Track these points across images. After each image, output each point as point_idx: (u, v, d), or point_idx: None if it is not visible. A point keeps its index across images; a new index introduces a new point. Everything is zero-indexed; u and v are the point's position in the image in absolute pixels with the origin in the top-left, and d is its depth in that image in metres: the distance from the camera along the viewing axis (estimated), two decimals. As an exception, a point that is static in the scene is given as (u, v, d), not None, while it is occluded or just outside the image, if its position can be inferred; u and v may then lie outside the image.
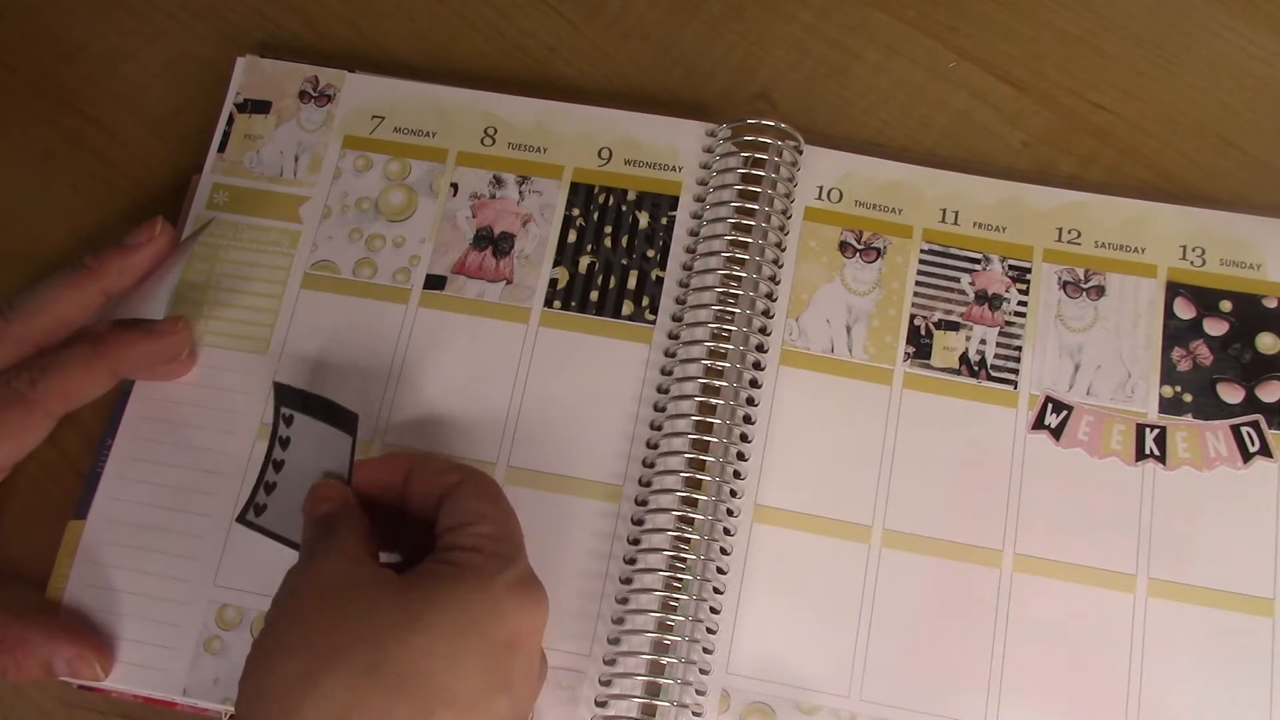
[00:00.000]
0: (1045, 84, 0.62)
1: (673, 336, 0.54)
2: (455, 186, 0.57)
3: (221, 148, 0.58)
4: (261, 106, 0.59)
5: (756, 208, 0.55)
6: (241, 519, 0.48)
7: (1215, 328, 0.55)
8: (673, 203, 0.57)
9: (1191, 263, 0.56)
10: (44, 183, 0.61)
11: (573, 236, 0.57)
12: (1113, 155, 0.60)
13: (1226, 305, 0.55)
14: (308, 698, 0.38)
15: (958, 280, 0.56)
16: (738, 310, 0.54)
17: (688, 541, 0.51)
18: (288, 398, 0.48)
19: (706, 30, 0.63)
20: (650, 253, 0.56)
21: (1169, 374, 0.54)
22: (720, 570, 0.51)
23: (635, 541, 0.51)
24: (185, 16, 0.64)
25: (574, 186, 0.57)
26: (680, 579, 0.50)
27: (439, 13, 0.64)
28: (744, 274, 0.54)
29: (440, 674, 0.40)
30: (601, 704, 0.50)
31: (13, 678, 0.49)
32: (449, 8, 0.64)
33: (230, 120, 0.59)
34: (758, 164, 0.56)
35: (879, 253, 0.57)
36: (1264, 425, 0.53)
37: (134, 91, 0.62)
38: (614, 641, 0.50)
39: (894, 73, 0.62)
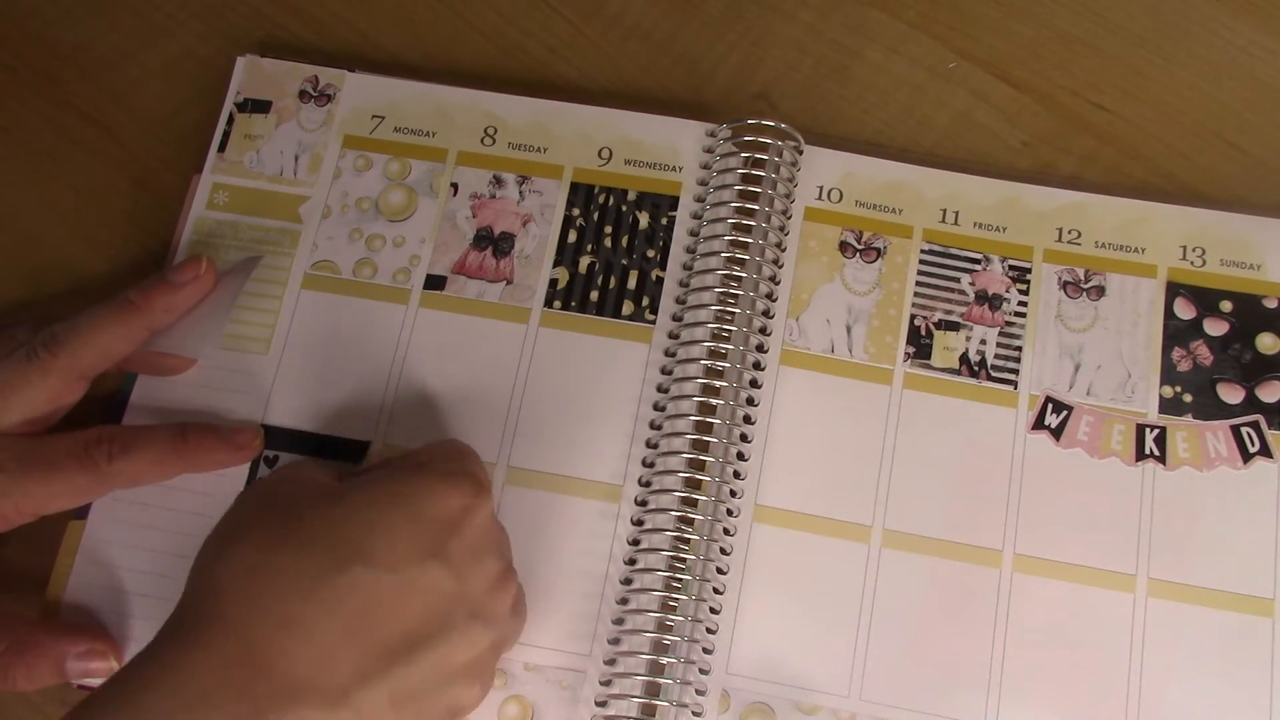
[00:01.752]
0: (1045, 84, 0.62)
1: (673, 336, 0.54)
2: (455, 186, 0.57)
3: (221, 147, 0.58)
4: (261, 106, 0.59)
5: (756, 208, 0.55)
6: None
7: (1215, 328, 0.55)
8: (673, 203, 0.57)
9: (1192, 263, 0.56)
10: (44, 183, 0.61)
11: (573, 236, 0.57)
12: (1113, 155, 0.60)
13: (1227, 305, 0.55)
14: (219, 560, 0.42)
15: (958, 280, 0.56)
16: (738, 310, 0.54)
17: (687, 541, 0.51)
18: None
19: (706, 30, 0.63)
20: (650, 253, 0.56)
21: (1169, 374, 0.54)
22: (720, 570, 0.51)
23: (635, 542, 0.51)
24: (185, 16, 0.64)
25: (574, 186, 0.57)
26: (680, 579, 0.50)
27: (439, 13, 0.64)
28: (744, 274, 0.54)
29: (356, 537, 0.42)
30: (601, 704, 0.50)
31: (24, 685, 0.49)
32: (449, 8, 0.64)
33: (230, 120, 0.59)
34: (758, 164, 0.56)
35: (879, 253, 0.57)
36: (1264, 425, 0.53)
37: (134, 91, 0.62)
38: (614, 641, 0.50)
39: (894, 73, 0.62)
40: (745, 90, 0.62)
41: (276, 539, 0.42)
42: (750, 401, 0.54)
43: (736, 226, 0.55)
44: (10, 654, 0.49)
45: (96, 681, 0.50)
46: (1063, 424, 0.54)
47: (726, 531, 0.52)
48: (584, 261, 0.56)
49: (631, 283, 0.56)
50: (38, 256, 0.59)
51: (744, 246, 0.55)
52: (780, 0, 0.64)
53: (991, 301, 0.56)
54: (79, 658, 0.49)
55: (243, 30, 0.64)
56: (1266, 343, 0.54)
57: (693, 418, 0.52)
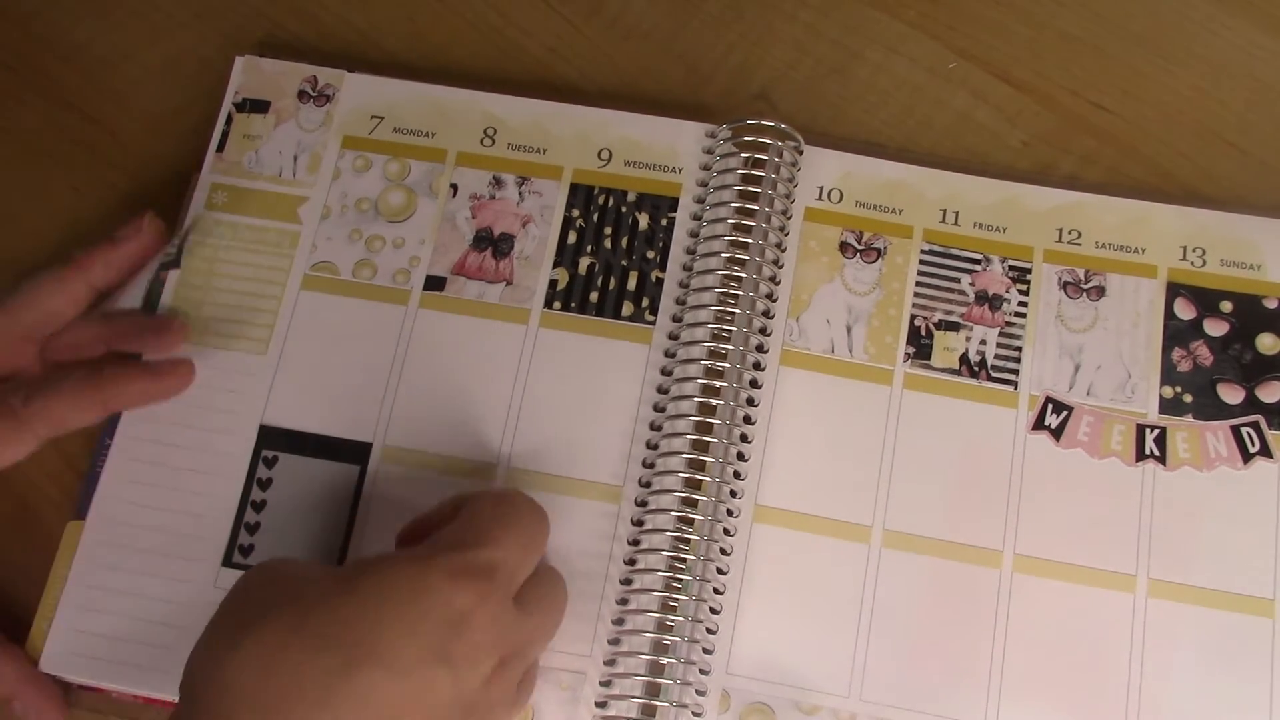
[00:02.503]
0: (1045, 84, 0.62)
1: (673, 337, 0.54)
2: (455, 187, 0.57)
3: (220, 147, 0.58)
4: (260, 106, 0.59)
5: (757, 208, 0.55)
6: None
7: (1215, 328, 0.55)
8: (672, 204, 0.57)
9: (1192, 263, 0.56)
10: (44, 183, 0.61)
11: (572, 238, 0.57)
12: (1113, 155, 0.60)
13: (1227, 306, 0.55)
14: (230, 658, 0.39)
15: (958, 280, 0.56)
16: (738, 310, 0.54)
17: (687, 542, 0.51)
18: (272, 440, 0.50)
19: (706, 30, 0.63)
20: (650, 254, 0.56)
21: (1169, 374, 0.54)
22: (720, 570, 0.51)
23: (635, 542, 0.51)
24: (185, 16, 0.64)
25: (574, 187, 0.57)
26: (680, 579, 0.50)
27: (438, 12, 0.63)
28: (744, 274, 0.54)
29: (367, 637, 0.39)
30: (601, 704, 0.50)
31: None
32: (448, 7, 0.64)
33: (229, 120, 0.59)
34: (758, 164, 0.56)
35: (879, 253, 0.57)
36: (1264, 426, 0.53)
37: (134, 91, 0.62)
38: (614, 642, 0.50)
39: (894, 73, 0.62)
40: (745, 90, 0.62)
41: (285, 634, 0.39)
42: (750, 402, 0.54)
43: (736, 227, 0.55)
44: None
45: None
46: (1063, 424, 0.54)
47: (727, 531, 0.52)
48: (584, 262, 0.56)
49: (631, 284, 0.56)
50: (38, 256, 0.59)
51: (744, 247, 0.55)
52: (780, 0, 0.63)
53: (991, 302, 0.56)
54: (25, 709, 0.50)
55: (243, 30, 0.64)
56: (1267, 343, 0.54)
57: (693, 418, 0.52)
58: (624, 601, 0.51)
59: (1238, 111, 0.61)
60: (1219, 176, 0.59)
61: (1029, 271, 0.56)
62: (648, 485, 0.52)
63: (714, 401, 0.52)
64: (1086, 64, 0.62)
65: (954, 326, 0.55)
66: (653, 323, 0.55)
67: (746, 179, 0.56)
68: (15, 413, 0.48)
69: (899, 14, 0.63)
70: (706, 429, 0.52)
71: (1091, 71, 0.62)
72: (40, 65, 0.63)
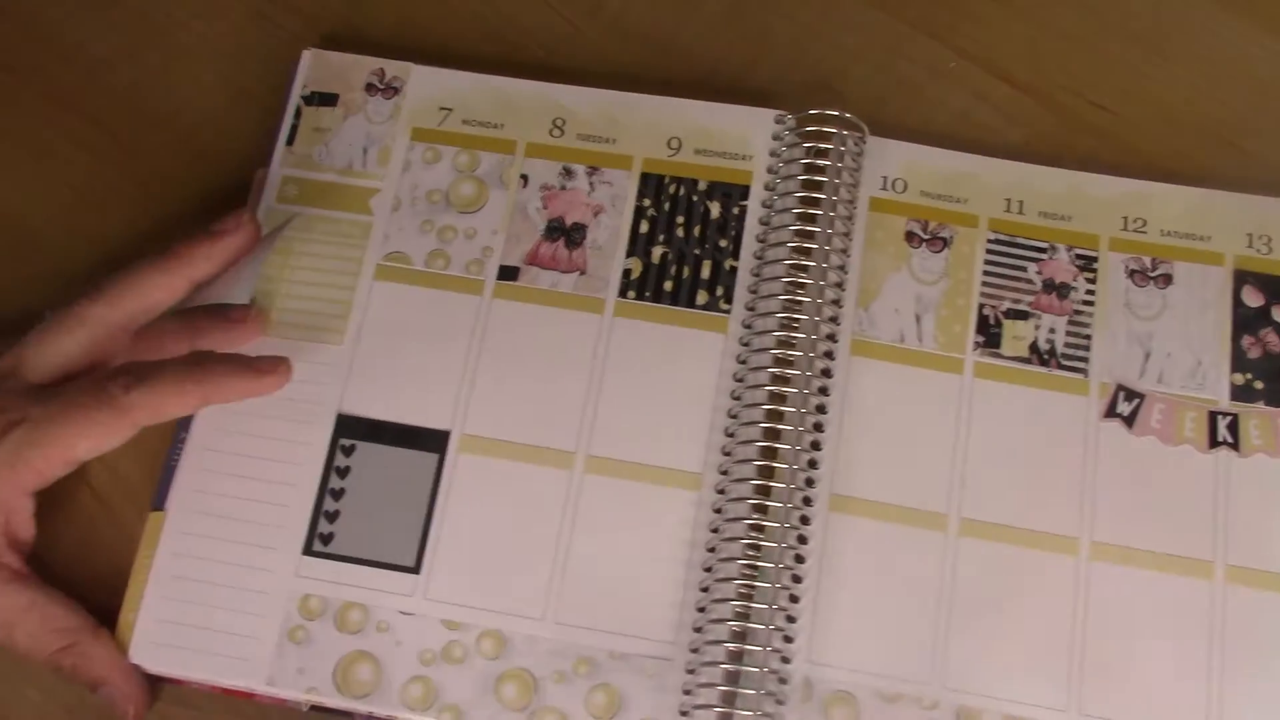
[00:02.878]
0: (1045, 84, 0.62)
1: (747, 326, 0.55)
2: (525, 178, 0.58)
3: (290, 140, 0.58)
4: (328, 99, 0.59)
5: (822, 197, 0.56)
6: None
7: (1284, 315, 0.55)
8: (744, 192, 0.57)
9: (1258, 250, 0.56)
10: (44, 183, 0.61)
11: (644, 227, 0.57)
12: (1112, 155, 0.60)
13: (1294, 293, 0.56)
14: None
15: (1025, 269, 0.56)
16: (807, 299, 0.54)
17: (764, 530, 0.51)
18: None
19: (707, 31, 0.63)
20: (723, 242, 0.56)
21: (1239, 361, 0.55)
22: (799, 559, 0.51)
23: (715, 530, 0.51)
24: (185, 16, 0.64)
25: (644, 177, 0.58)
26: (759, 566, 0.51)
27: (437, 12, 0.63)
28: (812, 263, 0.54)
29: None
30: (688, 691, 0.50)
31: (66, 678, 0.50)
32: (447, 7, 0.64)
33: (298, 113, 0.59)
34: (821, 154, 0.56)
35: (945, 242, 0.57)
36: (1335, 411, 0.54)
37: (134, 91, 0.62)
38: (698, 630, 0.50)
39: (894, 72, 0.62)
40: (746, 91, 0.61)
41: None
42: (823, 391, 0.54)
43: (802, 216, 0.55)
44: (64, 653, 0.49)
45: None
46: (1134, 412, 0.54)
47: (804, 520, 0.52)
48: (657, 252, 0.56)
49: (705, 272, 0.56)
50: (38, 256, 0.59)
51: (810, 236, 0.55)
52: (780, 1, 0.63)
53: (1059, 290, 0.56)
54: (111, 696, 0.50)
55: (243, 30, 0.63)
56: (1335, 329, 0.55)
57: (766, 407, 0.53)
58: (706, 589, 0.51)
59: (1238, 111, 0.61)
60: (1219, 176, 0.59)
61: (1095, 260, 0.56)
62: (726, 473, 0.52)
63: (786, 390, 0.53)
64: (1086, 64, 0.62)
65: (1022, 315, 0.56)
66: (727, 311, 0.55)
67: (810, 168, 0.56)
68: (116, 401, 0.48)
69: (899, 14, 0.63)
70: (780, 418, 0.52)
71: (1091, 71, 0.62)
72: (40, 65, 0.63)
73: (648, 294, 0.56)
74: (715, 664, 0.50)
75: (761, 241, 0.56)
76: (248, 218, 0.54)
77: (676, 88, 0.60)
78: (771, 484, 0.52)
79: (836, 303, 0.55)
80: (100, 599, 0.52)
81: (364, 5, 0.64)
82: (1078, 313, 0.56)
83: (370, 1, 0.64)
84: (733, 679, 0.50)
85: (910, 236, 0.57)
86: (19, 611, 0.49)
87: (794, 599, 0.51)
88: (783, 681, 0.50)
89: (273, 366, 0.52)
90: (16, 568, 0.50)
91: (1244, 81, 0.62)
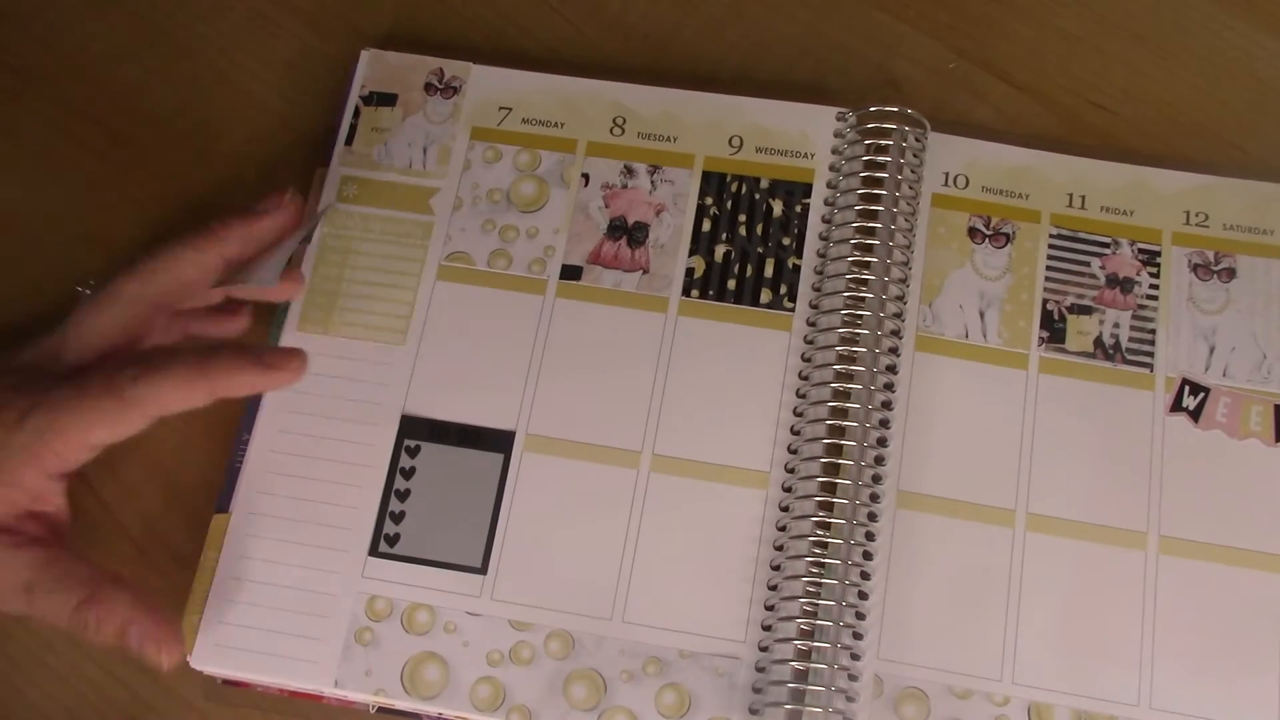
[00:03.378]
0: (1045, 84, 0.62)
1: (811, 324, 0.54)
2: (586, 177, 0.58)
3: (349, 140, 0.58)
4: (387, 100, 0.59)
5: (884, 193, 0.55)
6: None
7: (1349, 308, 0.55)
8: (806, 190, 0.57)
9: (1323, 244, 0.56)
10: (44, 183, 0.60)
11: (707, 225, 0.57)
12: (1112, 155, 0.59)
13: (1359, 286, 0.55)
14: None
15: (1088, 264, 0.56)
16: (871, 296, 0.54)
17: (830, 527, 0.51)
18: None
19: (707, 31, 0.63)
20: (786, 240, 0.56)
21: (1305, 355, 0.55)
22: (867, 555, 0.51)
23: (783, 528, 0.51)
24: (185, 17, 0.64)
25: (706, 175, 0.57)
26: (827, 563, 0.50)
27: (437, 12, 0.63)
28: (875, 260, 0.54)
29: None
30: (758, 690, 0.50)
31: (91, 636, 0.48)
32: (446, 6, 0.63)
33: (356, 113, 0.59)
34: (882, 151, 0.56)
35: (1008, 238, 0.57)
36: (1403, 405, 0.53)
37: (134, 92, 0.62)
38: (767, 628, 0.50)
39: (894, 73, 0.62)
40: (745, 90, 0.61)
41: None
42: (888, 388, 0.54)
43: (864, 214, 0.55)
44: (85, 607, 0.48)
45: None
46: (1200, 405, 0.54)
47: (872, 517, 0.52)
48: (720, 250, 0.56)
49: (768, 271, 0.56)
50: (38, 256, 0.59)
51: (872, 233, 0.55)
52: (780, 1, 0.63)
53: (1123, 285, 0.56)
54: (140, 637, 0.48)
55: (242, 30, 0.63)
56: (1400, 323, 0.55)
57: (831, 404, 0.52)
58: (774, 588, 0.51)
59: (1238, 111, 0.61)
60: (1219, 176, 0.59)
61: (1158, 254, 0.56)
62: (793, 471, 0.52)
63: (851, 388, 0.52)
64: (1086, 64, 0.62)
65: (1086, 310, 0.55)
66: (791, 309, 0.55)
67: (871, 165, 0.56)
68: (123, 393, 0.48)
69: (899, 14, 0.63)
70: (845, 416, 0.52)
71: (1091, 71, 0.62)
72: (40, 65, 0.62)
73: (711, 293, 0.56)
74: (785, 662, 0.49)
75: (824, 239, 0.56)
76: (290, 198, 0.54)
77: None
78: (838, 481, 0.51)
79: (900, 299, 0.55)
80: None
81: (363, 6, 0.64)
82: (1141, 307, 0.56)
83: (370, 3, 0.64)
84: (803, 677, 0.49)
85: (973, 232, 0.57)
86: (37, 569, 0.48)
87: (863, 596, 0.51)
88: (853, 679, 0.50)
89: (285, 361, 0.51)
90: (36, 533, 0.49)
91: (1244, 81, 0.62)
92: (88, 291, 0.52)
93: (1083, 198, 0.57)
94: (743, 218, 0.57)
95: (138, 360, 0.49)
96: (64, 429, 0.48)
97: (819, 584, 0.50)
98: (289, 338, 0.55)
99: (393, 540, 0.52)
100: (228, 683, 0.52)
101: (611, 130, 0.58)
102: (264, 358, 0.50)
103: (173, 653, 0.49)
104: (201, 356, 0.49)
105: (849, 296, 0.54)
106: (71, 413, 0.48)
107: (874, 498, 0.52)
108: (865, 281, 0.54)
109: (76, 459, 0.49)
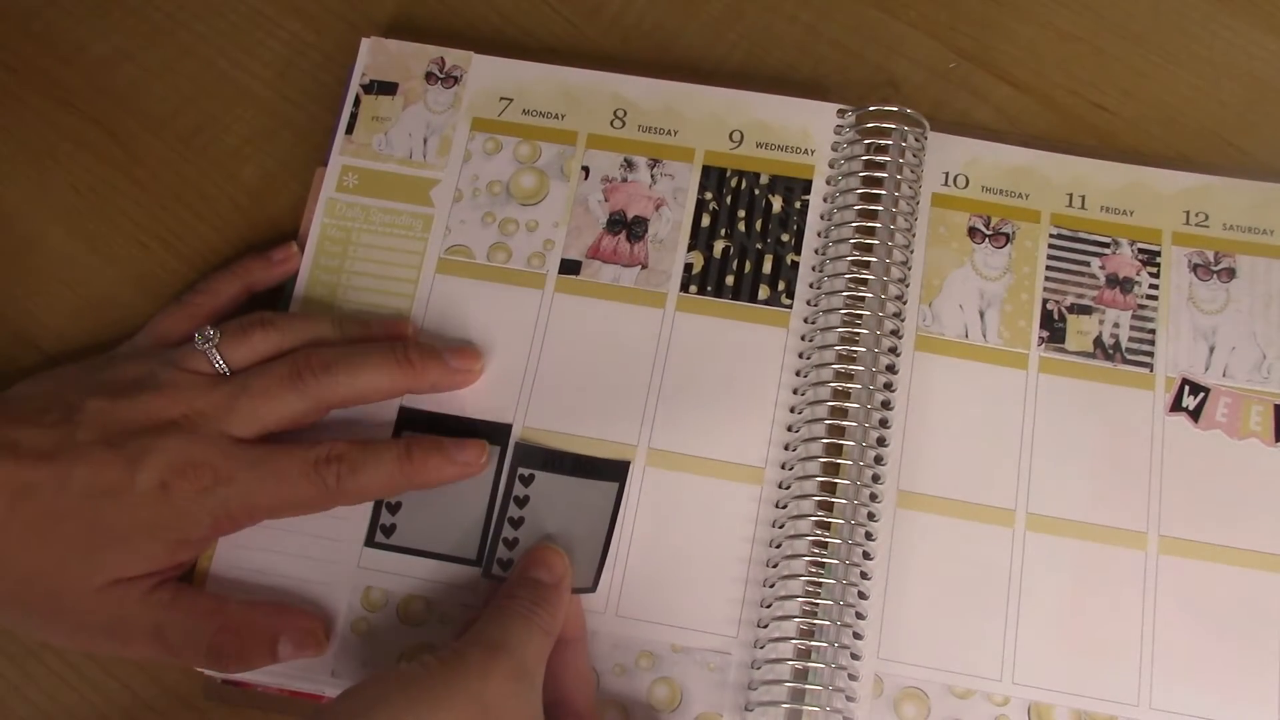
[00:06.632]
0: (1045, 84, 0.62)
1: (809, 322, 0.54)
2: (586, 169, 0.57)
3: (349, 129, 0.58)
4: (388, 88, 0.59)
5: (883, 193, 0.55)
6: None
7: (1349, 310, 0.55)
8: (806, 186, 0.57)
9: (1323, 244, 0.56)
10: (44, 183, 0.60)
11: (706, 220, 0.56)
12: (1112, 155, 0.59)
13: (1359, 287, 0.55)
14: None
15: (1088, 264, 0.56)
16: (870, 295, 0.54)
17: (829, 526, 0.51)
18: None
19: (707, 31, 0.63)
20: (785, 237, 0.56)
21: (1304, 355, 0.54)
22: (866, 555, 0.51)
23: (779, 525, 0.51)
24: (185, 16, 0.63)
25: (706, 169, 0.57)
26: (825, 562, 0.50)
27: (437, 12, 0.63)
28: (874, 259, 0.54)
29: None
30: (753, 688, 0.49)
31: (235, 667, 0.49)
32: (447, 6, 0.63)
33: (357, 102, 0.59)
34: (882, 150, 0.56)
35: (1008, 238, 0.56)
36: (1403, 407, 0.53)
37: (134, 91, 0.62)
38: (762, 625, 0.50)
39: (894, 73, 0.62)
40: (745, 89, 0.60)
41: None
42: (888, 387, 0.53)
43: (863, 213, 0.55)
44: (222, 635, 0.48)
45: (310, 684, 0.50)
46: (1200, 405, 0.54)
47: (871, 516, 0.51)
48: (718, 245, 0.56)
49: (767, 267, 0.55)
50: (38, 256, 0.59)
51: (872, 232, 0.55)
52: (781, 2, 0.63)
53: (1123, 285, 0.56)
54: (292, 639, 0.49)
55: (241, 30, 0.63)
56: (1401, 324, 0.55)
57: (830, 403, 0.52)
58: (770, 585, 0.51)
59: (1238, 111, 0.61)
60: (1219, 176, 0.58)
61: (1158, 254, 0.56)
62: (790, 469, 0.52)
63: (850, 387, 0.52)
64: (1086, 64, 0.62)
65: (1086, 310, 0.55)
66: (789, 307, 0.55)
67: (870, 164, 0.56)
68: (328, 490, 0.49)
69: (899, 14, 0.63)
70: (844, 415, 0.52)
71: (1091, 71, 0.62)
72: (40, 65, 0.62)
73: (709, 288, 0.55)
74: (783, 661, 0.49)
75: (824, 236, 0.56)
76: (295, 250, 0.56)
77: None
78: (838, 481, 0.51)
79: (900, 298, 0.55)
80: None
81: (363, 6, 0.64)
82: (1141, 307, 0.55)
83: (369, 3, 0.64)
84: (800, 675, 0.49)
85: (973, 232, 0.57)
86: (164, 608, 0.48)
87: (863, 595, 0.51)
88: (853, 678, 0.50)
89: (474, 457, 0.52)
90: (166, 575, 0.50)
91: (1244, 81, 0.62)
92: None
93: (1083, 198, 0.57)
94: (742, 213, 0.56)
95: (340, 457, 0.50)
96: (255, 511, 0.49)
97: (818, 583, 0.50)
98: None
99: (389, 531, 0.52)
100: (227, 682, 0.51)
101: (612, 123, 0.58)
102: (458, 454, 0.51)
103: (321, 645, 0.50)
104: (401, 455, 0.50)
105: (848, 295, 0.54)
106: (269, 499, 0.49)
107: (873, 497, 0.52)
108: (865, 280, 0.54)
109: (247, 525, 0.50)
